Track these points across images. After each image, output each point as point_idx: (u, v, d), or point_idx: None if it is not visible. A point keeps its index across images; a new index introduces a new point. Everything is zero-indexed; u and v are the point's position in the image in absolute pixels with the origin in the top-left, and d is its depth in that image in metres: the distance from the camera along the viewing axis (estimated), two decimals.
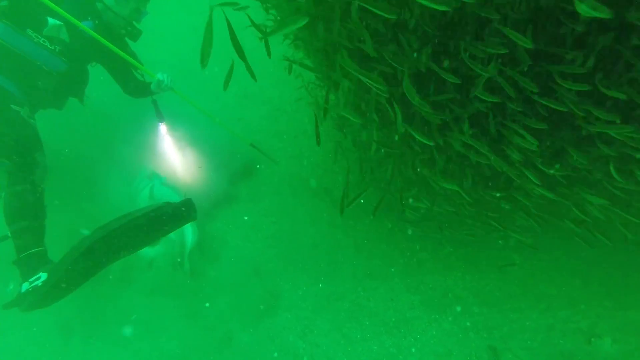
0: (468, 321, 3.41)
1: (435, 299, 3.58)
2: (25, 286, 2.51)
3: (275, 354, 3.53)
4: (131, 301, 3.99)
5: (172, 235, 3.63)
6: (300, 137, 5.40)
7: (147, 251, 4.06)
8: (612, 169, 2.30)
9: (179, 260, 4.08)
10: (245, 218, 4.49)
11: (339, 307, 3.69)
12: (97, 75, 3.61)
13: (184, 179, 4.46)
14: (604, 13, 1.38)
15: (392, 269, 3.84)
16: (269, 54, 2.42)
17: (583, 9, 1.39)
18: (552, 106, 2.06)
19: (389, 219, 4.28)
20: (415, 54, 2.22)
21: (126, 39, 3.32)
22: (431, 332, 3.40)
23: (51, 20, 2.54)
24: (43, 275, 2.51)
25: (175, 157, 4.30)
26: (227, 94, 5.84)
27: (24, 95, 2.78)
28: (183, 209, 2.90)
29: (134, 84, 3.47)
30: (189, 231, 4.04)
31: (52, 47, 2.58)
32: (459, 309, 3.49)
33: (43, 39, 2.55)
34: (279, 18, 3.29)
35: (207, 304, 3.89)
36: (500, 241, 3.88)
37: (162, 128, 3.98)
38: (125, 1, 3.04)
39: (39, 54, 2.56)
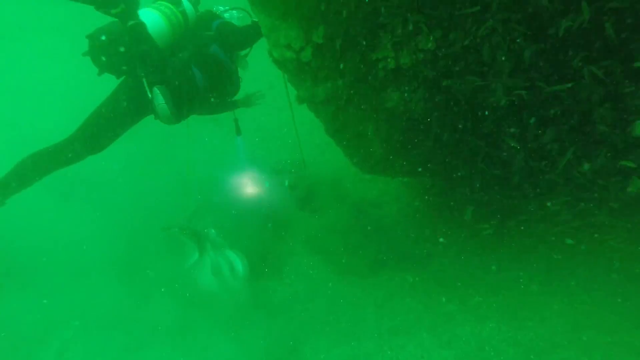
0: None
1: (471, 353, 3.18)
2: None
3: None
4: None
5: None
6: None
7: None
8: None
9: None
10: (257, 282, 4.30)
11: None
12: None
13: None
14: None
15: (419, 324, 3.50)
16: None
17: None
18: None
19: (410, 273, 4.05)
20: None
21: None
22: None
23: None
24: None
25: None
26: None
27: None
28: None
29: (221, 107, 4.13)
30: (237, 261, 4.02)
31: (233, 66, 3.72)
32: None
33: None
34: None
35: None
36: (535, 287, 3.58)
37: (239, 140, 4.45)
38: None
39: (229, 65, 3.60)
